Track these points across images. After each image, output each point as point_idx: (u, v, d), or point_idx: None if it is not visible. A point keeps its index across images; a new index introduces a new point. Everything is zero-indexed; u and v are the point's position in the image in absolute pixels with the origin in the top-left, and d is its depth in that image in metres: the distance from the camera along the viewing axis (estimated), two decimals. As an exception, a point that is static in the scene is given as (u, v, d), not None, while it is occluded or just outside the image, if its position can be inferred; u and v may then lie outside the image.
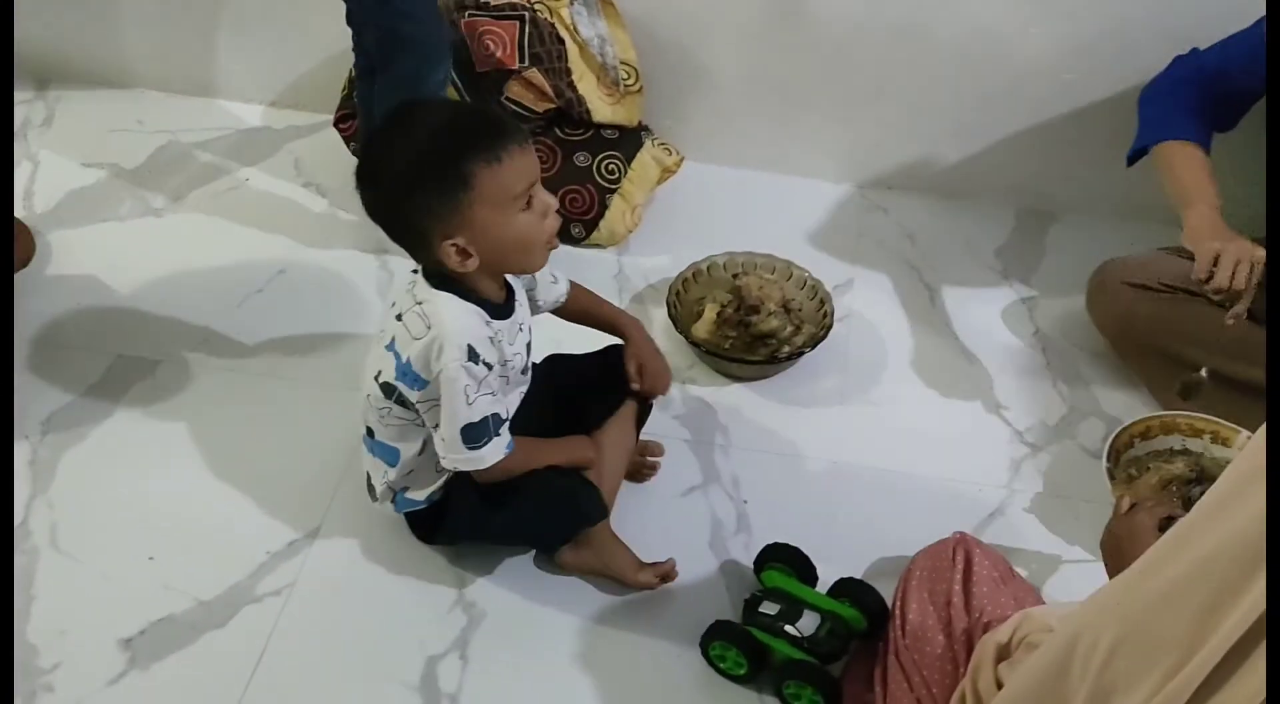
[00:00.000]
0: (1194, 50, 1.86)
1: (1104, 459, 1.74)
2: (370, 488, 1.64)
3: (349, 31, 2.01)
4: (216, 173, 2.37)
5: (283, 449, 1.84)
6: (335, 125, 2.29)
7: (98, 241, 2.20)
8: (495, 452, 1.48)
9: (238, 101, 2.55)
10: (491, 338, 1.45)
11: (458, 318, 1.42)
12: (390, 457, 1.57)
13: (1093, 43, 2.14)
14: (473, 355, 1.42)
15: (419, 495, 1.60)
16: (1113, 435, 1.76)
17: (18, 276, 1.93)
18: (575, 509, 1.60)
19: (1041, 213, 2.39)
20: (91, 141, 2.42)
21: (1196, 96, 1.79)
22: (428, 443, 1.53)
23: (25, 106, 2.51)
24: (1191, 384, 1.71)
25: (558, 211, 1.44)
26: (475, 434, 1.46)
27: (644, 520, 1.74)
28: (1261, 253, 1.63)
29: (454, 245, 1.37)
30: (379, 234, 1.43)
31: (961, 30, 2.17)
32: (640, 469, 1.82)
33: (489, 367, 1.44)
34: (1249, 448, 0.88)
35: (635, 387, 1.68)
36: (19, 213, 2.21)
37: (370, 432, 1.57)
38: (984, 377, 2.04)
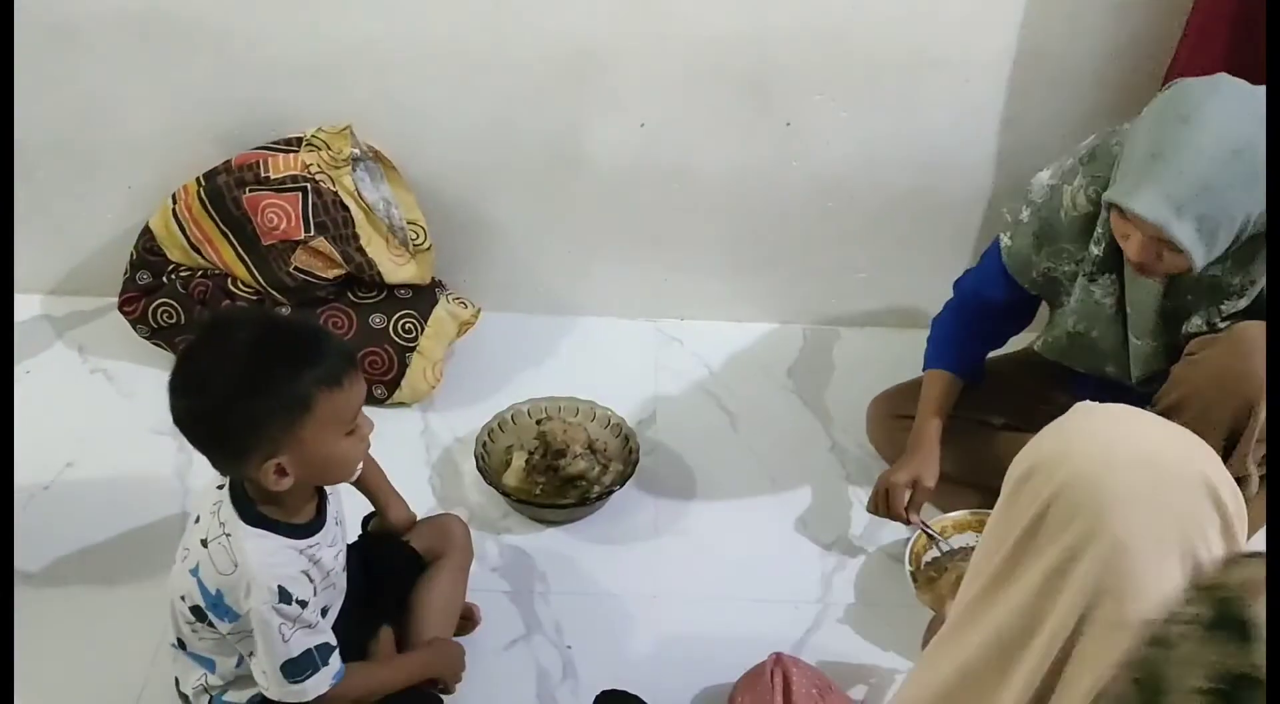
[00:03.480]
0: (965, 272, 2.02)
1: (906, 564, 1.82)
2: (181, 694, 1.54)
3: (129, 213, 1.93)
4: (-7, 369, 2.28)
5: (74, 667, 1.72)
6: (120, 308, 2.25)
7: None
8: (320, 684, 1.42)
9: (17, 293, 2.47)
10: (307, 571, 1.41)
11: (266, 557, 1.37)
12: (208, 665, 1.49)
13: (848, 174, 2.30)
14: (284, 596, 1.36)
15: (239, 698, 1.51)
16: (911, 540, 1.85)
17: None
18: None
19: (826, 330, 2.51)
20: None
21: (964, 320, 1.98)
22: (245, 657, 1.46)
23: None
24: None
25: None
26: (296, 669, 1.40)
27: (469, 679, 1.70)
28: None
29: (276, 465, 1.32)
30: None
31: (728, 169, 2.30)
32: (463, 627, 1.79)
33: (303, 604, 1.39)
34: (974, 561, 0.97)
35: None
36: None
37: (181, 643, 1.49)
38: (788, 495, 2.11)
